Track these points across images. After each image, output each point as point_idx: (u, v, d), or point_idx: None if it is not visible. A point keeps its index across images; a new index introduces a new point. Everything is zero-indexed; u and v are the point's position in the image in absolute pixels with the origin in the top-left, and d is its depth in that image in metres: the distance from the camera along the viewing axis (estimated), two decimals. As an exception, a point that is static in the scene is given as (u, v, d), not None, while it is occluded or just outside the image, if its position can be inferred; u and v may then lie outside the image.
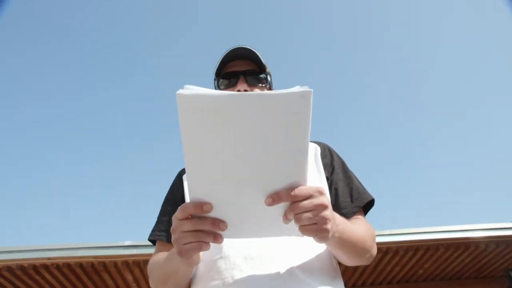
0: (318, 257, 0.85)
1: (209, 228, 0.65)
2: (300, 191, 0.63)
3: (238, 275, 0.79)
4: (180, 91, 0.55)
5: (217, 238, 0.66)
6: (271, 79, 1.14)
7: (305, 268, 0.81)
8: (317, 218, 0.63)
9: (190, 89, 0.56)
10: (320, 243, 0.69)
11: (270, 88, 1.14)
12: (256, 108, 0.57)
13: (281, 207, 0.64)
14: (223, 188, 0.63)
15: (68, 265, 3.82)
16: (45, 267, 3.80)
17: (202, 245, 0.66)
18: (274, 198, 0.62)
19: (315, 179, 0.95)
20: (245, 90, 1.05)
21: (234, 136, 0.59)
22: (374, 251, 0.92)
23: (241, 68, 1.08)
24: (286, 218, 0.64)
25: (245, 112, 0.57)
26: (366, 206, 0.99)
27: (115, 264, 3.83)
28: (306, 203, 0.63)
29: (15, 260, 3.67)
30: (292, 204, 0.63)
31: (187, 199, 0.98)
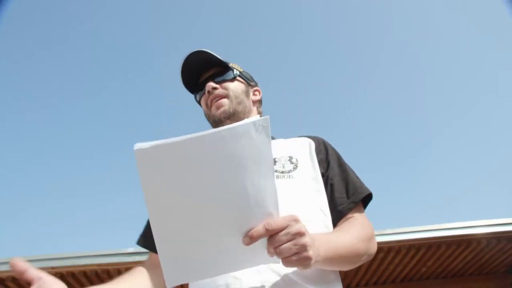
0: None
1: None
2: (275, 224, 0.62)
3: (233, 282, 0.78)
4: (137, 145, 0.54)
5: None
6: (241, 70, 1.15)
7: (301, 273, 0.80)
8: (296, 247, 0.63)
9: (141, 145, 0.55)
10: (304, 269, 0.68)
11: (243, 80, 1.14)
12: (216, 146, 0.56)
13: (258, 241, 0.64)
14: (194, 233, 0.62)
15: (72, 274, 3.82)
16: (49, 276, 3.80)
17: None
18: (252, 236, 0.62)
19: (310, 177, 0.94)
20: (214, 89, 1.07)
21: (198, 178, 0.58)
22: (372, 250, 0.90)
23: (204, 76, 1.12)
24: (269, 252, 0.64)
25: (206, 152, 0.57)
26: (365, 200, 0.97)
27: (118, 271, 3.83)
28: (282, 234, 0.62)
29: (19, 270, 3.68)
30: (269, 238, 0.63)
31: None
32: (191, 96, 1.18)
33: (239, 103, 1.08)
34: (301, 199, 0.88)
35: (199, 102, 1.15)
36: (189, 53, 1.08)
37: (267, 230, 0.62)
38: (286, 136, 1.11)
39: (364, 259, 0.88)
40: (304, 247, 0.63)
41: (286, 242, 0.62)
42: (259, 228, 0.62)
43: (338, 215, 0.92)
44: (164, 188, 0.58)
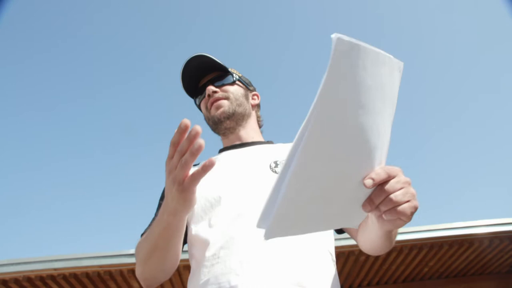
0: (315, 259, 0.85)
1: (186, 146, 0.61)
2: (392, 169, 0.60)
3: (234, 279, 0.78)
4: (337, 35, 0.47)
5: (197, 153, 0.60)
6: (240, 75, 1.16)
7: (302, 272, 0.80)
8: (408, 195, 0.60)
9: (345, 37, 0.47)
10: (400, 226, 0.65)
11: (242, 84, 1.15)
12: (387, 70, 0.53)
13: (360, 194, 0.60)
14: (325, 164, 0.55)
15: (74, 275, 3.83)
16: (52, 278, 3.81)
17: (188, 163, 0.61)
18: (375, 178, 0.58)
19: None
20: (214, 92, 1.08)
21: (367, 99, 0.53)
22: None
23: (204, 81, 1.12)
24: (371, 203, 0.60)
25: (381, 74, 0.53)
26: None
27: (121, 272, 3.84)
28: (395, 181, 0.60)
29: (22, 272, 3.69)
30: (381, 185, 0.59)
31: None
32: (190, 97, 1.19)
33: (239, 105, 1.09)
34: None
35: (198, 106, 1.16)
36: (189, 58, 1.08)
37: (387, 174, 0.59)
38: (285, 141, 1.12)
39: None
40: (414, 196, 0.62)
41: (399, 190, 0.60)
42: (379, 171, 0.59)
43: None
44: (338, 97, 0.51)
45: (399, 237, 3.97)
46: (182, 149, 0.61)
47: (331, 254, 0.90)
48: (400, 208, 0.59)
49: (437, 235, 4.02)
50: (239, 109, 1.08)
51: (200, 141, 0.60)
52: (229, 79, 1.11)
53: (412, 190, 0.61)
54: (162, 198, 1.04)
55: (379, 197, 0.60)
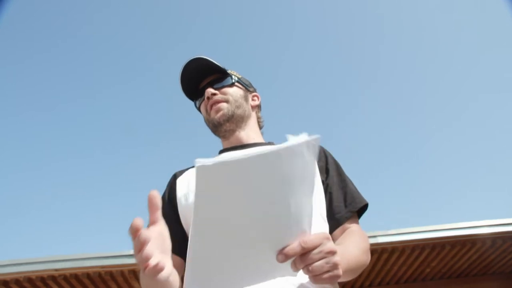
0: None
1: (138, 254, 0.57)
2: (310, 242, 0.62)
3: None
4: (199, 161, 0.53)
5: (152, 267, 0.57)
6: (239, 77, 1.17)
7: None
8: (328, 265, 0.63)
9: (203, 161, 0.53)
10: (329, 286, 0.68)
11: (242, 85, 1.16)
12: (274, 164, 0.57)
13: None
14: (229, 248, 0.62)
15: (75, 276, 3.83)
16: (53, 278, 3.81)
17: (142, 263, 0.57)
18: (287, 254, 0.61)
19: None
20: (213, 94, 1.09)
21: (251, 196, 0.59)
22: (368, 262, 0.91)
23: (203, 83, 1.13)
24: (295, 268, 0.64)
25: (264, 171, 0.57)
26: (360, 210, 0.98)
27: (122, 273, 3.84)
28: (315, 252, 0.62)
29: (23, 272, 3.69)
30: (302, 256, 0.63)
31: (179, 201, 1.00)
32: (190, 100, 1.19)
33: (238, 107, 1.09)
34: None
35: (199, 109, 1.17)
36: (188, 60, 1.09)
37: (303, 248, 0.62)
38: (286, 141, 1.11)
39: (366, 265, 0.89)
40: (335, 266, 0.64)
41: (319, 260, 0.63)
42: (294, 246, 0.62)
43: (335, 224, 0.93)
44: (215, 204, 0.58)
45: (401, 238, 3.97)
46: (135, 249, 0.58)
47: None
48: (317, 277, 0.63)
49: (440, 235, 4.01)
50: (238, 111, 1.09)
51: (147, 252, 0.56)
52: (228, 80, 1.12)
53: (334, 259, 0.64)
54: (166, 192, 1.06)
55: (299, 265, 0.63)
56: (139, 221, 0.56)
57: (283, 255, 0.61)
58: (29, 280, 3.79)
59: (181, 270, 0.97)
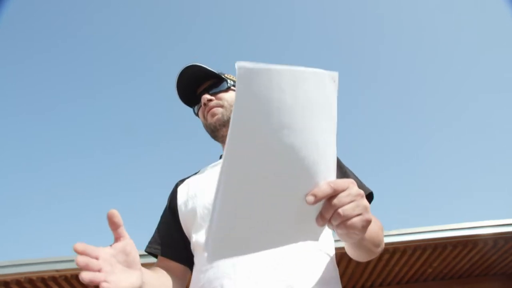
0: (310, 261, 0.84)
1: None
2: (340, 183, 0.58)
3: (227, 283, 0.80)
4: (240, 63, 0.48)
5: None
6: (235, 81, 1.17)
7: (296, 272, 0.80)
8: (359, 208, 0.59)
9: (245, 64, 0.48)
10: (355, 239, 0.64)
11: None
12: (306, 86, 0.52)
13: (310, 209, 0.59)
14: (256, 199, 0.57)
15: (76, 277, 3.82)
16: (54, 279, 3.81)
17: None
18: (317, 194, 0.57)
19: None
20: (209, 100, 1.10)
21: (285, 119, 0.53)
22: (383, 243, 0.90)
23: (200, 89, 1.14)
24: (322, 218, 0.59)
25: (297, 91, 0.52)
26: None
27: (122, 273, 3.83)
28: (344, 195, 0.58)
29: (24, 273, 3.68)
30: (328, 200, 0.58)
31: (180, 209, 1.01)
32: (189, 107, 1.20)
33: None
34: None
35: (197, 115, 1.18)
36: (183, 68, 1.11)
37: (332, 188, 0.57)
38: None
39: (380, 251, 0.87)
40: (366, 209, 0.60)
41: (349, 203, 0.59)
42: (323, 186, 0.57)
43: None
44: (252, 121, 0.51)
45: (402, 238, 3.96)
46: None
47: (329, 256, 0.89)
48: (349, 222, 0.59)
49: (441, 235, 4.00)
50: None
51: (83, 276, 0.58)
52: (224, 85, 1.13)
53: (363, 202, 0.60)
54: (169, 200, 1.08)
55: (328, 212, 0.59)
56: (79, 246, 0.59)
57: (312, 196, 0.57)
58: (30, 280, 3.78)
59: (181, 276, 0.98)
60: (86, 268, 0.58)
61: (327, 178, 0.59)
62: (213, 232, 0.57)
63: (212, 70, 1.12)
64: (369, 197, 0.97)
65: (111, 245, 0.65)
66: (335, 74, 0.55)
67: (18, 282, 3.79)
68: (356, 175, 1.00)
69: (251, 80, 0.48)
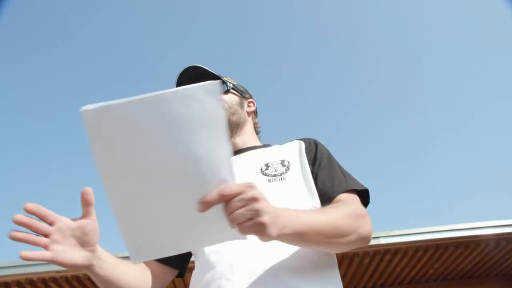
0: (310, 259, 0.83)
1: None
2: (229, 189, 0.60)
3: (225, 284, 0.80)
4: (85, 107, 0.53)
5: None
6: (234, 84, 1.18)
7: (296, 273, 0.80)
8: (250, 212, 0.60)
9: (88, 106, 0.54)
10: (266, 241, 0.65)
11: (237, 92, 1.17)
12: (163, 108, 0.56)
13: (218, 211, 0.62)
14: (151, 205, 0.61)
15: (77, 278, 3.83)
16: (54, 280, 3.81)
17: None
18: (206, 202, 0.60)
19: (302, 177, 0.93)
20: None
21: (148, 143, 0.57)
22: (363, 230, 0.83)
23: None
24: (230, 224, 0.62)
25: (153, 115, 0.56)
26: (363, 198, 0.93)
27: (123, 274, 3.83)
28: (236, 200, 0.60)
29: (25, 274, 3.68)
30: (225, 205, 0.61)
31: None
32: None
33: (233, 114, 1.11)
34: (294, 200, 0.87)
35: None
36: (182, 69, 1.11)
37: (220, 195, 0.60)
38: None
39: (354, 239, 0.82)
40: (257, 213, 0.61)
41: (240, 208, 0.60)
42: (212, 193, 0.60)
43: (325, 201, 0.89)
44: (114, 154, 0.57)
45: (404, 239, 3.95)
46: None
47: (328, 255, 0.88)
48: (241, 226, 0.61)
49: (443, 236, 4.00)
50: (234, 118, 1.10)
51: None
52: (223, 88, 1.13)
53: (256, 206, 0.61)
54: None
55: (226, 215, 0.61)
56: (30, 205, 0.65)
57: (200, 205, 0.60)
58: (31, 282, 3.78)
59: (158, 275, 0.99)
60: (29, 227, 0.64)
61: (223, 184, 0.61)
62: (123, 238, 0.63)
63: (212, 71, 1.12)
64: (364, 194, 0.94)
65: (74, 219, 0.68)
66: (213, 84, 0.57)
67: (18, 283, 3.79)
68: (347, 171, 0.98)
69: (98, 119, 0.54)
